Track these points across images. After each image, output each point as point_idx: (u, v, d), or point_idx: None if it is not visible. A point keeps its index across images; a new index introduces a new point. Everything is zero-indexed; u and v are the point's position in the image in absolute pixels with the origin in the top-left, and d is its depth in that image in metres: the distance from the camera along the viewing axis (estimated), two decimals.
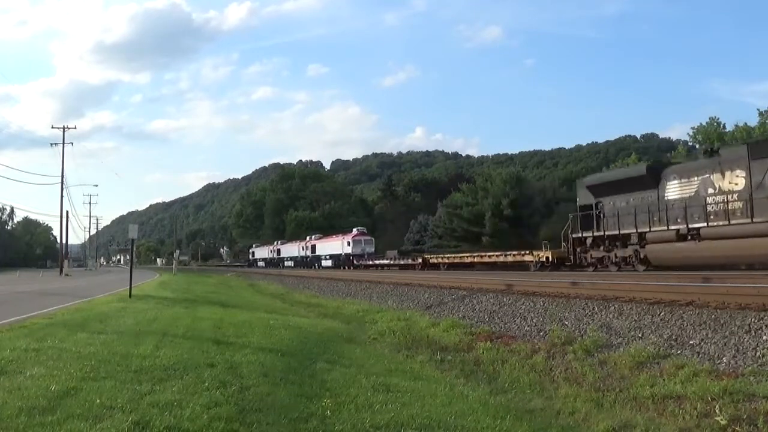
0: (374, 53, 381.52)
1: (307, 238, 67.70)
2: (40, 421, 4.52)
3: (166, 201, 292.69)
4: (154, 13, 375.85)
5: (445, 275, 27.97)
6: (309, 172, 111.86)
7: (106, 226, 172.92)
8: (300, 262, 67.50)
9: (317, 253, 63.01)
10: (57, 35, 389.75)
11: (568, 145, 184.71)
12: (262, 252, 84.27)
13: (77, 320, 11.40)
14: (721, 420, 5.97)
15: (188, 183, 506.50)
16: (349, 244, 55.60)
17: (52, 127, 60.28)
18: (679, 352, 8.52)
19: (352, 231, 58.24)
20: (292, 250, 71.02)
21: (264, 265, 79.13)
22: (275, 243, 78.72)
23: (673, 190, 21.05)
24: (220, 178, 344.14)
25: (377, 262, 49.70)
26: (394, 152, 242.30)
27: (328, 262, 59.60)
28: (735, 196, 18.61)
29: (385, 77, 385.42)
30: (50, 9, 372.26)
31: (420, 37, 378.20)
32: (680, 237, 20.16)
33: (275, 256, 76.62)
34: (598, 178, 27.05)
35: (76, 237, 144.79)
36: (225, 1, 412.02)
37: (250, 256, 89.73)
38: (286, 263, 71.62)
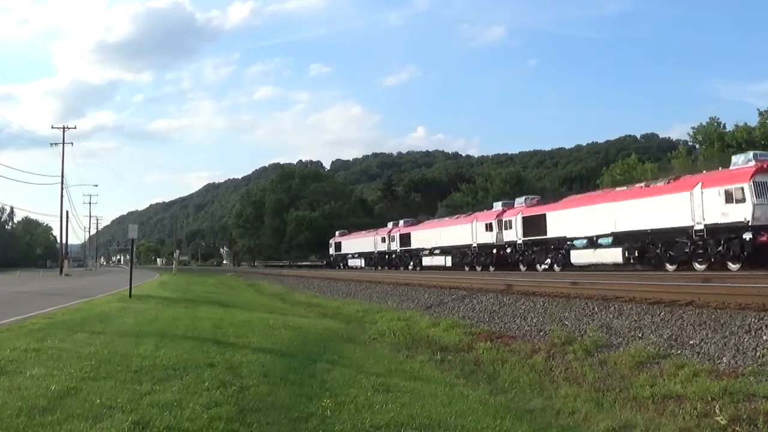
0: (376, 53, 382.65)
1: (496, 206, 33.66)
2: (40, 421, 4.51)
3: (166, 201, 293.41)
4: (157, 13, 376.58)
5: (445, 275, 27.84)
6: (309, 172, 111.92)
7: (106, 226, 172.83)
8: (475, 258, 33.77)
9: (552, 233, 27.62)
10: (58, 34, 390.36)
11: (568, 145, 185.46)
12: (358, 243, 50.17)
13: (77, 320, 11.40)
14: (721, 420, 5.97)
15: (188, 183, 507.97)
16: (731, 198, 19.06)
17: (53, 127, 59.99)
18: (679, 352, 8.52)
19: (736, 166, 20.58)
20: (449, 234, 36.49)
21: (362, 265, 48.45)
22: (392, 226, 45.74)
23: None
24: (220, 178, 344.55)
25: None
26: (395, 152, 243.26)
27: (616, 254, 23.48)
28: None
29: (387, 77, 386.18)
30: (52, 8, 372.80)
31: (422, 37, 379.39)
32: None
33: (397, 248, 43.56)
34: None
35: (76, 237, 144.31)
36: (228, 0, 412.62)
37: (332, 250, 56.55)
38: (425, 261, 39.15)
